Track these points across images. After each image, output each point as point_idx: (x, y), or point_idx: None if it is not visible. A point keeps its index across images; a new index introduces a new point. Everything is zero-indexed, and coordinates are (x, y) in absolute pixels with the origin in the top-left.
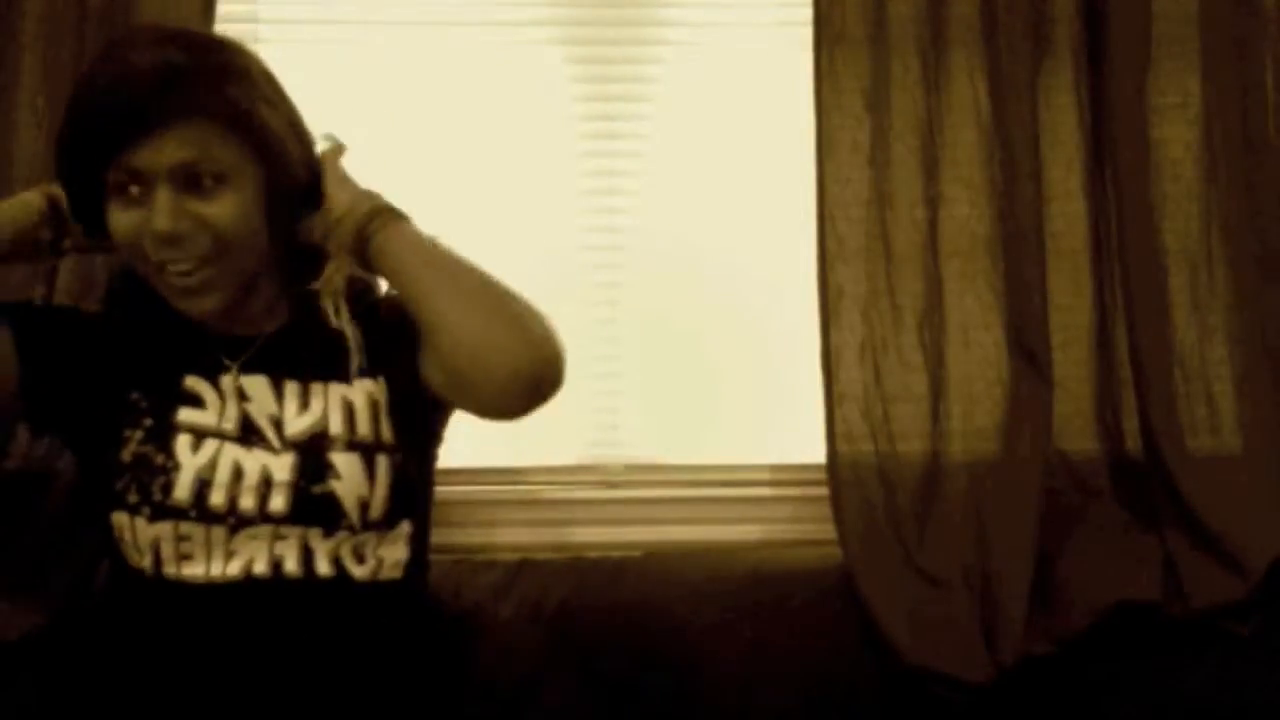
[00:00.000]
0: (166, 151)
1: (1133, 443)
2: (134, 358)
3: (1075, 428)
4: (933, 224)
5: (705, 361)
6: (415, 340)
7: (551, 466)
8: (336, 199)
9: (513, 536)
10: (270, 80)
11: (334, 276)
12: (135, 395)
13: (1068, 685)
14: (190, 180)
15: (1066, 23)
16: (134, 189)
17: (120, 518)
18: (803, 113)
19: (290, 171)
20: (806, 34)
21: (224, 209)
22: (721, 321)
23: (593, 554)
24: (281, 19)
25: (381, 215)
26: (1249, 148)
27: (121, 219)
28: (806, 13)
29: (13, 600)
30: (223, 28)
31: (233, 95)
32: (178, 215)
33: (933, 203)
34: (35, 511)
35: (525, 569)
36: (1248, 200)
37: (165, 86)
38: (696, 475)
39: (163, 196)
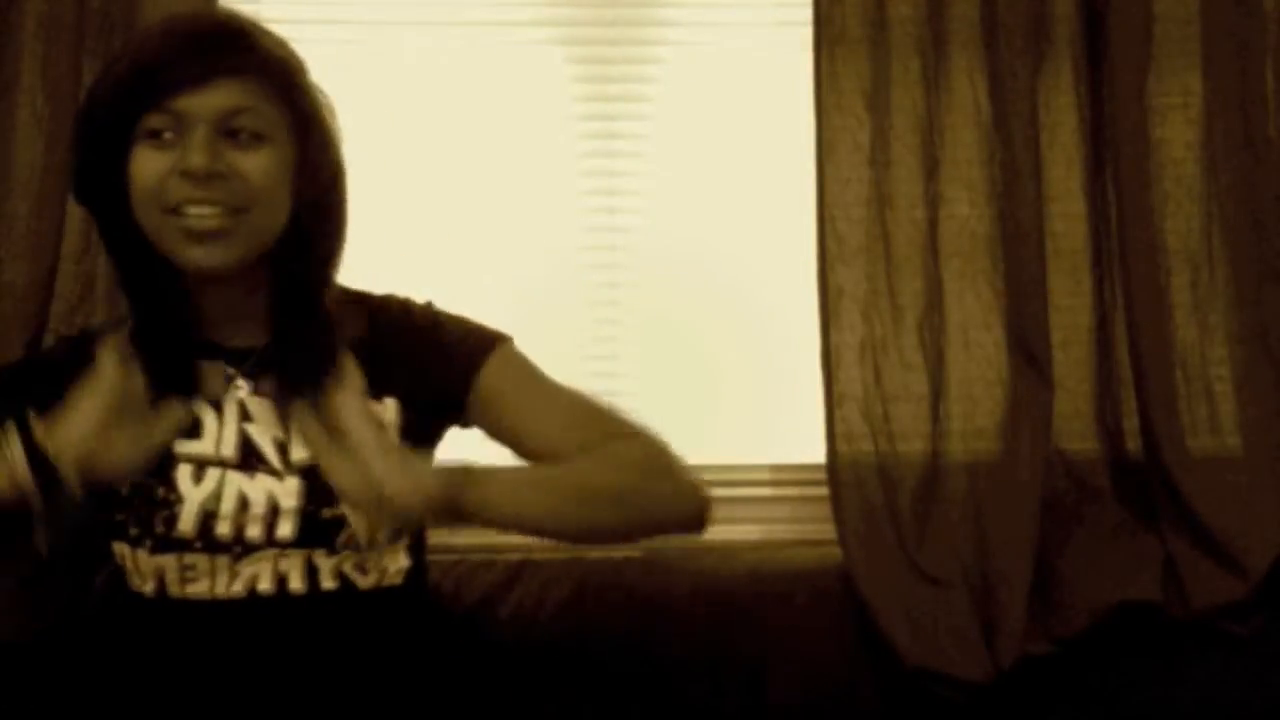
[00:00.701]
0: (215, 97)
1: (1133, 443)
2: None
3: (1075, 428)
4: (933, 224)
5: (706, 361)
6: (424, 357)
7: None
8: (363, 455)
9: (513, 536)
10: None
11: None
12: None
13: (1068, 685)
14: (229, 132)
15: (1066, 23)
16: (168, 135)
17: (121, 548)
18: (803, 113)
19: (319, 159)
20: (806, 34)
21: (258, 164)
22: (721, 321)
23: (593, 554)
24: (283, 19)
25: (456, 485)
26: (1249, 148)
27: (150, 160)
28: (806, 13)
29: (12, 601)
30: None
31: (284, 60)
32: (215, 155)
33: (933, 203)
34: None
35: (525, 569)
36: (1248, 200)
37: (222, 39)
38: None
39: (202, 136)
